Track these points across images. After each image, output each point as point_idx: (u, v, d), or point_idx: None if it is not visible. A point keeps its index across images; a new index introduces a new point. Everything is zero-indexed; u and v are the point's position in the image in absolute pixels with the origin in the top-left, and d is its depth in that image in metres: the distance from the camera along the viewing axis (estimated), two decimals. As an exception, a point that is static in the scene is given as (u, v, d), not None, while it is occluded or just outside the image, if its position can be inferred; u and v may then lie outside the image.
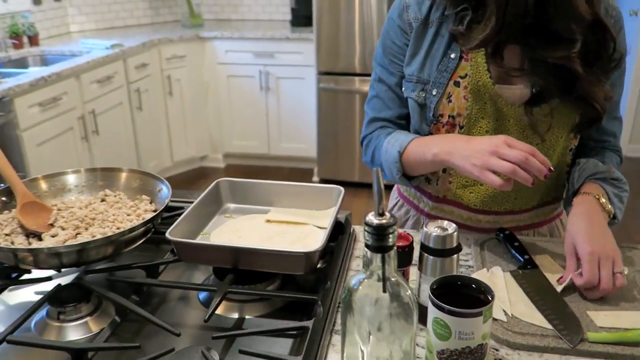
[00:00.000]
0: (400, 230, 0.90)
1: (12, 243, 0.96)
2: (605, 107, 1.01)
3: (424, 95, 1.09)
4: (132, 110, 3.50)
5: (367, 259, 0.65)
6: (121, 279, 0.97)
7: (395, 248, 0.65)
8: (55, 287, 0.92)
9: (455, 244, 0.82)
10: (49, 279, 0.97)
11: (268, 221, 1.08)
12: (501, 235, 1.08)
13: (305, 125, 3.96)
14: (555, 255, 1.04)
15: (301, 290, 0.96)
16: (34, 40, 3.46)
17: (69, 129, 2.91)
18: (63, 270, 0.97)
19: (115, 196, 1.10)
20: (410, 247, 0.90)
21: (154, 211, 1.05)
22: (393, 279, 0.65)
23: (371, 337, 0.67)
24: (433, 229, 0.82)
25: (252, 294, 0.92)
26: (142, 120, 3.60)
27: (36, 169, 2.61)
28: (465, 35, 1.00)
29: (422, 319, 0.77)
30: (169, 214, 1.11)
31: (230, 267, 0.94)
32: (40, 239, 0.98)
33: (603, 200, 1.02)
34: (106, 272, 0.99)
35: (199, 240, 1.02)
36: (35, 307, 0.87)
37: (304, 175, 4.05)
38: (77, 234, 0.98)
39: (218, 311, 0.89)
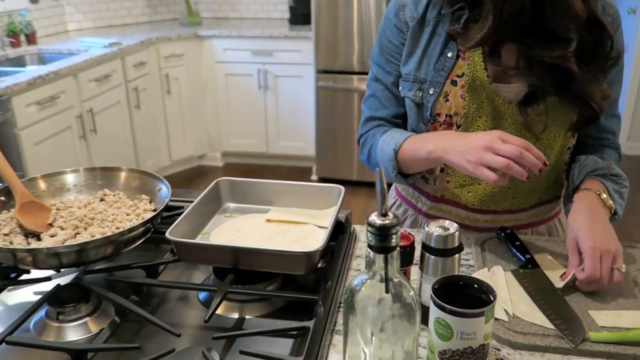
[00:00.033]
0: (401, 230, 0.90)
1: (11, 243, 0.96)
2: (602, 106, 1.01)
3: (420, 94, 1.09)
4: (130, 109, 3.49)
5: (370, 260, 0.65)
6: (121, 279, 0.97)
7: (398, 249, 0.65)
8: (55, 287, 0.91)
9: (456, 244, 0.82)
10: (48, 279, 0.96)
11: (268, 221, 1.08)
12: (502, 234, 1.08)
13: (304, 123, 3.95)
14: (555, 254, 1.04)
15: (302, 290, 0.96)
16: (31, 39, 3.45)
17: (67, 127, 2.90)
18: (62, 270, 0.96)
19: (114, 196, 1.10)
20: (412, 246, 0.89)
21: (154, 211, 1.05)
22: (396, 280, 0.65)
23: (373, 338, 0.66)
24: (435, 228, 0.82)
25: (253, 294, 0.92)
26: (140, 118, 3.59)
27: (34, 167, 2.60)
28: (463, 34, 1.00)
29: (423, 319, 0.76)
30: (168, 213, 1.11)
31: (230, 267, 0.93)
32: (39, 239, 0.97)
33: (604, 196, 1.02)
34: (105, 272, 0.99)
35: (198, 240, 1.02)
36: (34, 307, 0.87)
37: (302, 173, 4.04)
38: (76, 234, 0.98)
39: (218, 311, 0.88)
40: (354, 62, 3.59)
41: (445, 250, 0.81)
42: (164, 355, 0.77)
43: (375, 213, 0.64)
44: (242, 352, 0.77)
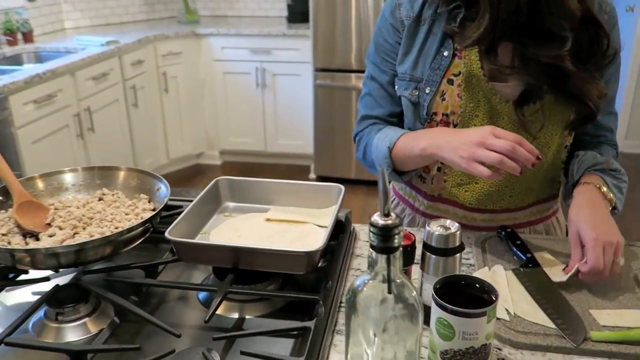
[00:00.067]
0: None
1: (9, 243, 0.95)
2: (599, 105, 1.01)
3: (417, 93, 1.08)
4: (128, 107, 3.48)
5: (372, 260, 0.65)
6: (120, 279, 0.96)
7: (400, 249, 0.64)
8: (53, 287, 0.91)
9: (458, 243, 0.82)
10: (46, 279, 0.96)
11: (268, 220, 1.07)
12: (503, 233, 1.08)
13: (302, 122, 3.95)
14: (553, 252, 1.04)
15: (302, 289, 0.95)
16: (28, 37, 3.43)
17: (65, 126, 2.89)
18: (61, 270, 0.96)
19: (113, 195, 1.09)
20: (413, 246, 0.89)
21: (153, 210, 1.04)
22: (398, 280, 0.65)
23: (376, 338, 0.66)
24: (436, 228, 0.81)
25: (253, 294, 0.91)
26: (138, 117, 3.58)
27: (31, 166, 2.59)
28: (459, 33, 1.00)
29: (425, 319, 0.76)
30: (167, 213, 1.10)
31: (230, 266, 0.93)
32: (37, 239, 0.97)
33: (604, 189, 1.02)
34: (104, 272, 0.98)
35: (198, 239, 1.01)
36: (33, 308, 0.86)
37: (300, 172, 4.04)
38: (74, 234, 0.97)
39: (218, 311, 0.88)
40: (352, 60, 3.59)
41: (446, 250, 0.81)
42: (164, 356, 0.76)
43: (378, 213, 0.63)
44: (242, 353, 0.76)
